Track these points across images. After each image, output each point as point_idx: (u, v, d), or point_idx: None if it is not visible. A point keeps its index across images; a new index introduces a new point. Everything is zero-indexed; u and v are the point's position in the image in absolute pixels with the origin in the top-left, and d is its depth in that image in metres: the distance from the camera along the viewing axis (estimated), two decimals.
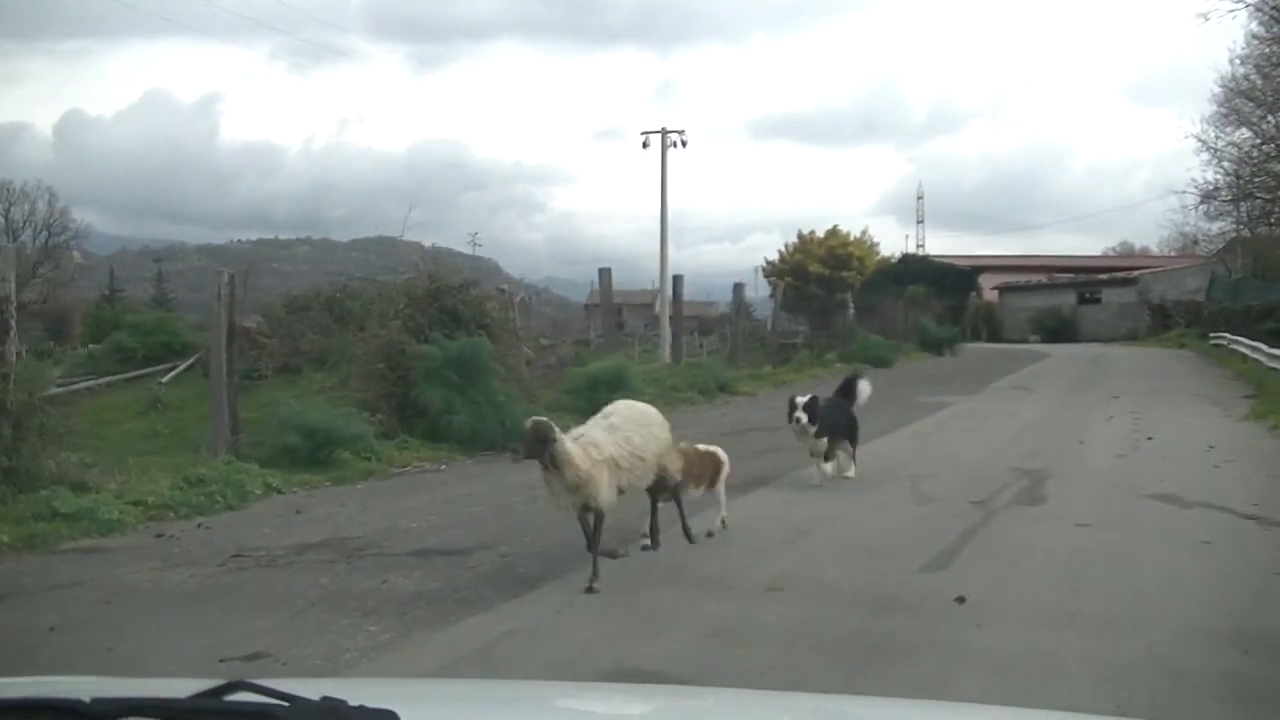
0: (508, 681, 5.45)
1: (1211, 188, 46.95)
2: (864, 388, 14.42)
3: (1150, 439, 17.48)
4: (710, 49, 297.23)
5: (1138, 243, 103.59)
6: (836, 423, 13.41)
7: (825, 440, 13.06)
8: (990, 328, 79.95)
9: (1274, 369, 27.81)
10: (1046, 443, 17.25)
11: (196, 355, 29.57)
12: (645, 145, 49.34)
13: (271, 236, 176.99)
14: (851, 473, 13.57)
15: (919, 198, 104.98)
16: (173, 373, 28.64)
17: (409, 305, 18.36)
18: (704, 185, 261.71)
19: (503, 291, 22.09)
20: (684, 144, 49.26)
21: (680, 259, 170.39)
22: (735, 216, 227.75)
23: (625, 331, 61.56)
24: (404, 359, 17.57)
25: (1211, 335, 47.74)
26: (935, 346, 51.55)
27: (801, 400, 13.22)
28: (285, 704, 1.67)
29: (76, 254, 74.80)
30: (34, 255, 62.63)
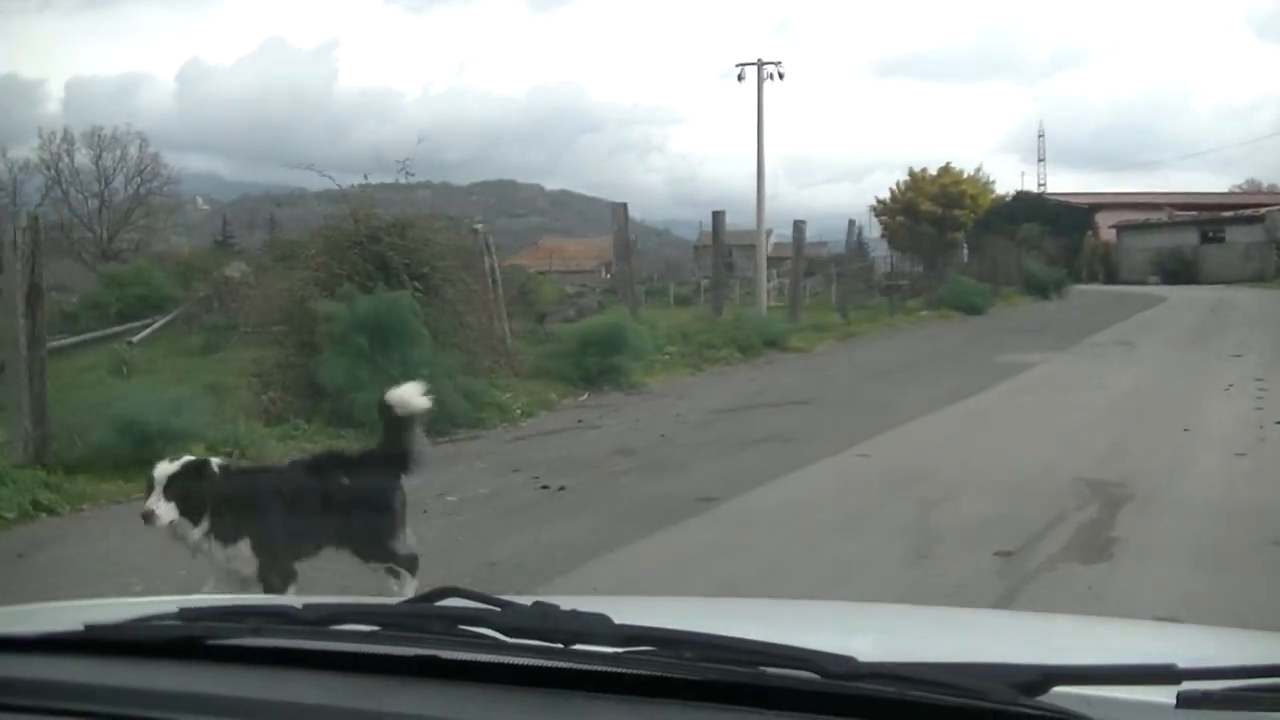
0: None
1: None
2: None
3: (1278, 423, 13.11)
4: None
5: (1265, 180, 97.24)
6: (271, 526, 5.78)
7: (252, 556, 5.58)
8: (1107, 269, 74.65)
9: None
10: (1138, 431, 12.98)
11: (177, 310, 26.40)
12: (740, 78, 45.05)
13: (391, 180, 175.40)
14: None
15: (1040, 135, 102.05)
16: (147, 330, 25.45)
17: (323, 251, 14.63)
18: (824, 125, 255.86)
19: (475, 233, 18.24)
20: (781, 76, 44.95)
21: (801, 198, 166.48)
22: (856, 156, 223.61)
23: (735, 274, 59.12)
24: (310, 320, 13.89)
25: None
26: (1041, 290, 46.83)
27: (165, 473, 5.48)
28: (498, 609, 1.72)
29: (200, 199, 72.63)
30: (126, 203, 60.25)
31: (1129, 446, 11.79)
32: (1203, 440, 12.36)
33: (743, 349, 23.05)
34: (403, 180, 17.25)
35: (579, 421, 14.83)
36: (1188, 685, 1.41)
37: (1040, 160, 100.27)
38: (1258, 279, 61.57)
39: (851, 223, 76.84)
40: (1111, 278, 71.97)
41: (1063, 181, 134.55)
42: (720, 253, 30.85)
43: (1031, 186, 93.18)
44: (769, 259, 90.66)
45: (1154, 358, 21.32)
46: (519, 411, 15.19)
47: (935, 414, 14.67)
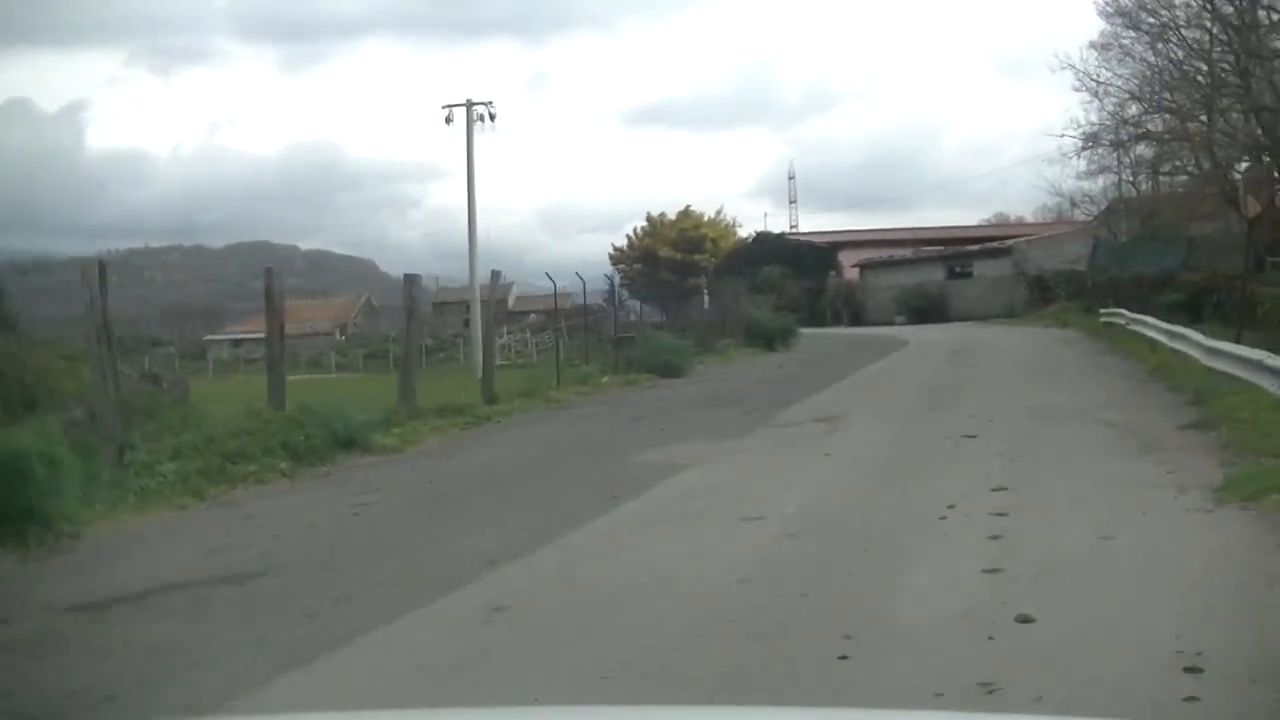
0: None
1: (1094, 128, 36.82)
2: None
3: (1025, 620, 6.88)
4: (583, 38, 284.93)
5: (1014, 214, 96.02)
6: None
7: None
8: (852, 310, 70.57)
9: (1214, 370, 17.48)
10: (778, 628, 6.71)
11: None
12: (449, 120, 44.89)
13: (142, 245, 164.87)
14: None
15: (791, 177, 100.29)
16: None
17: None
18: (583, 175, 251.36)
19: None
20: (492, 117, 45.05)
21: (563, 249, 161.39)
22: (615, 205, 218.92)
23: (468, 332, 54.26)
24: None
25: (1101, 312, 37.97)
26: (766, 340, 41.11)
27: None
28: None
29: None
30: None
31: (749, 670, 5.26)
32: (884, 658, 6.05)
33: (300, 455, 16.09)
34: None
35: None
36: None
37: (792, 202, 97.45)
38: (1007, 314, 58.07)
39: (609, 276, 71.48)
40: (857, 319, 67.94)
41: (817, 222, 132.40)
42: (414, 318, 24.10)
43: (778, 228, 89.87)
44: (510, 314, 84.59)
45: (856, 447, 15.12)
46: None
47: (448, 600, 8.08)
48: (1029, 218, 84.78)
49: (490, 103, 45.72)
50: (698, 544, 9.75)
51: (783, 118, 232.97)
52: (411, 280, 23.95)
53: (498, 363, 50.90)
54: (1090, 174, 45.09)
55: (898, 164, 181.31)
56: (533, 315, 76.50)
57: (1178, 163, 38.10)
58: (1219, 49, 32.56)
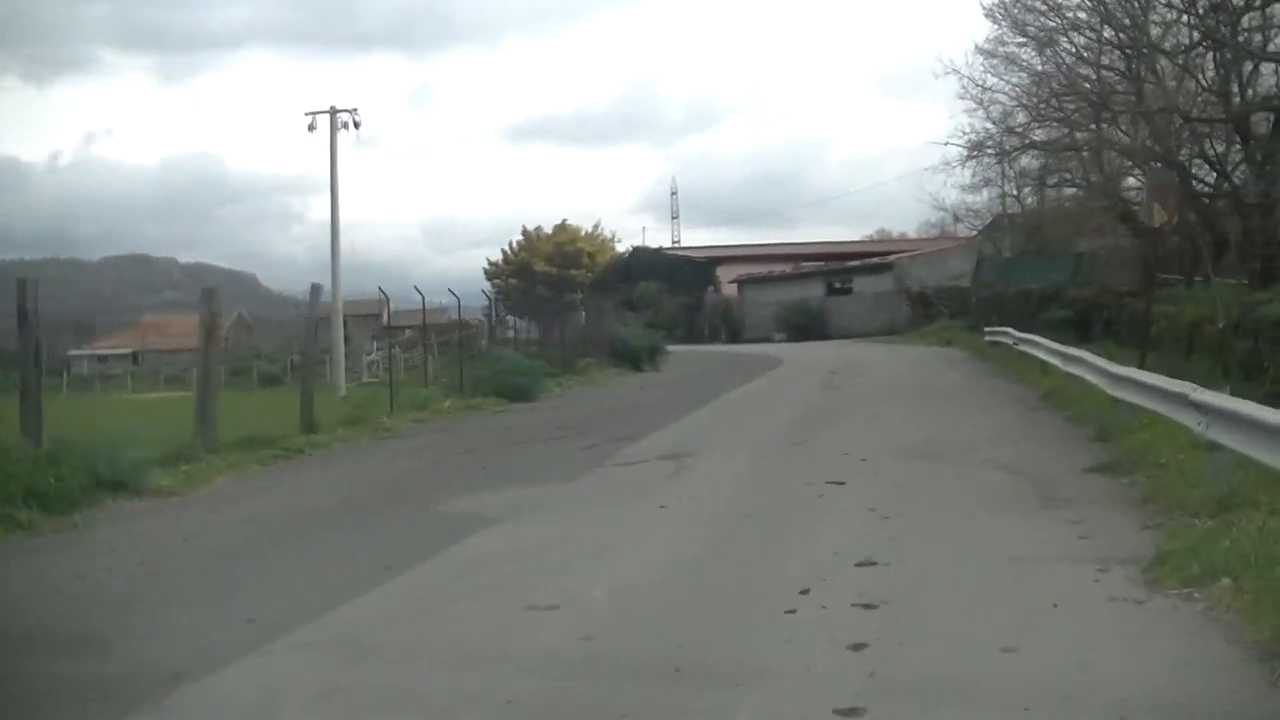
0: None
1: (979, 136, 34.71)
2: None
3: None
4: (466, 53, 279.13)
5: (896, 230, 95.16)
6: None
7: None
8: (730, 326, 68.53)
9: (1121, 400, 15.10)
10: None
11: None
12: (312, 128, 42.95)
13: (14, 258, 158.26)
14: None
15: (673, 193, 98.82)
16: None
17: None
18: (467, 191, 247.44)
19: None
20: (356, 125, 43.29)
21: (445, 264, 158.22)
22: (499, 220, 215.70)
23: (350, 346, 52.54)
24: None
25: (987, 330, 36.00)
26: (632, 359, 38.49)
27: None
28: None
29: None
30: None
31: None
32: None
33: (48, 503, 13.00)
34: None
35: None
36: None
37: (674, 217, 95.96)
38: (889, 331, 56.43)
39: (485, 292, 68.74)
40: (735, 336, 65.96)
41: (700, 238, 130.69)
42: (213, 336, 20.93)
43: (661, 244, 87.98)
44: (386, 329, 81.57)
45: (700, 498, 12.37)
46: None
47: None
48: (912, 234, 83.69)
49: (355, 110, 43.72)
50: (459, 649, 7.01)
51: (666, 134, 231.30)
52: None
53: (365, 379, 48.00)
54: (975, 187, 43.46)
55: (781, 180, 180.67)
56: (408, 331, 73.44)
57: (1066, 174, 36.17)
58: (1108, 54, 30.66)
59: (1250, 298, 21.34)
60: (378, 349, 66.73)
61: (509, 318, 62.67)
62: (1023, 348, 27.10)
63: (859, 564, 8.61)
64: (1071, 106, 32.00)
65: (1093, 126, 31.49)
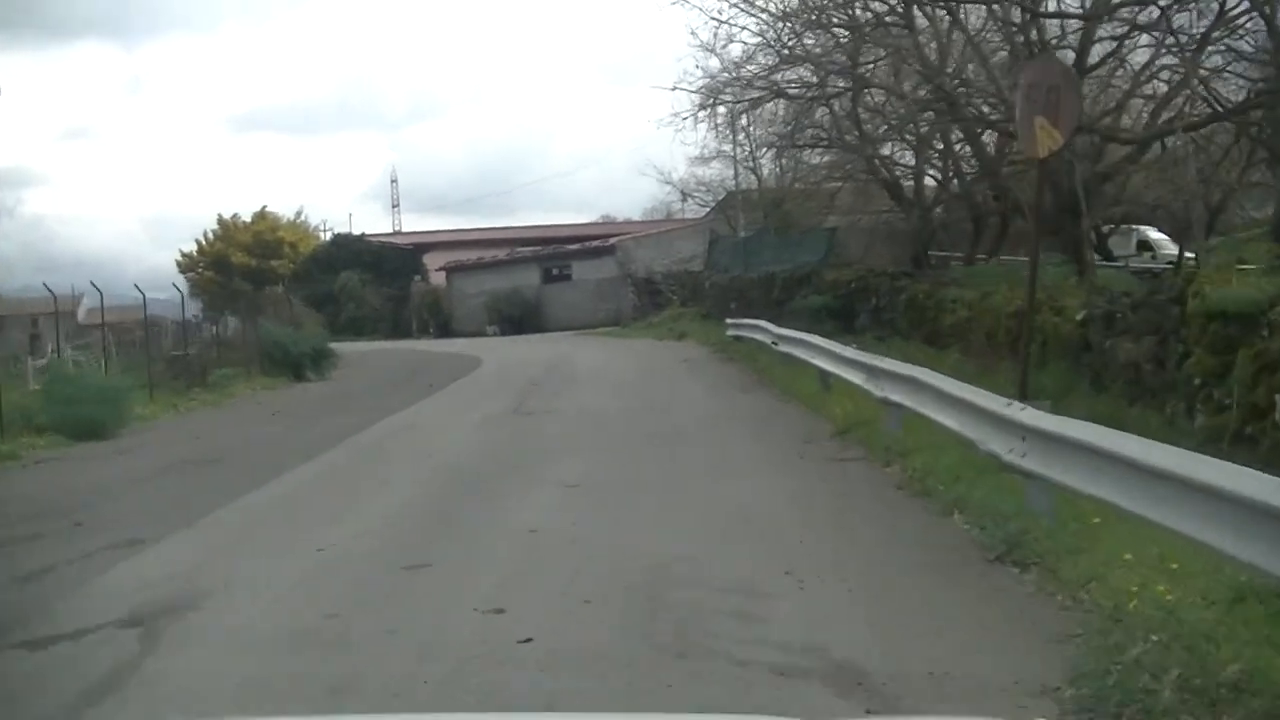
0: None
1: (716, 82, 27.70)
2: None
3: None
4: (181, 41, 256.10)
5: (621, 215, 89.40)
6: None
7: None
8: (439, 319, 60.77)
9: (1035, 475, 8.10)
10: None
11: None
12: None
13: None
14: None
15: (393, 181, 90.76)
16: None
17: None
18: (187, 183, 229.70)
19: None
20: None
21: (163, 258, 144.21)
22: (220, 212, 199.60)
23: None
24: None
25: (730, 322, 29.24)
26: (292, 365, 30.23)
27: None
28: None
29: None
30: None
31: None
32: None
33: None
34: None
35: None
36: None
37: (395, 206, 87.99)
38: (613, 322, 49.80)
39: (177, 286, 58.94)
40: (445, 329, 58.20)
41: (425, 226, 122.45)
42: None
43: (368, 230, 79.60)
44: (81, 327, 71.44)
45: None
46: None
47: None
48: (638, 218, 77.55)
49: None
50: None
51: (391, 123, 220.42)
52: None
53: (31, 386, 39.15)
54: (705, 160, 36.94)
55: (506, 170, 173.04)
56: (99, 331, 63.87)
57: (818, 132, 29.46)
58: None
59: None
60: (72, 348, 56.56)
61: (214, 314, 53.93)
62: (786, 349, 20.19)
63: None
64: (826, 42, 25.48)
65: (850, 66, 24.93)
